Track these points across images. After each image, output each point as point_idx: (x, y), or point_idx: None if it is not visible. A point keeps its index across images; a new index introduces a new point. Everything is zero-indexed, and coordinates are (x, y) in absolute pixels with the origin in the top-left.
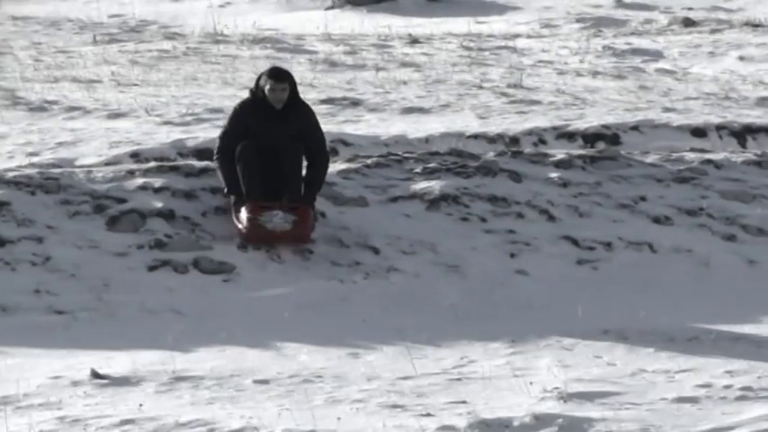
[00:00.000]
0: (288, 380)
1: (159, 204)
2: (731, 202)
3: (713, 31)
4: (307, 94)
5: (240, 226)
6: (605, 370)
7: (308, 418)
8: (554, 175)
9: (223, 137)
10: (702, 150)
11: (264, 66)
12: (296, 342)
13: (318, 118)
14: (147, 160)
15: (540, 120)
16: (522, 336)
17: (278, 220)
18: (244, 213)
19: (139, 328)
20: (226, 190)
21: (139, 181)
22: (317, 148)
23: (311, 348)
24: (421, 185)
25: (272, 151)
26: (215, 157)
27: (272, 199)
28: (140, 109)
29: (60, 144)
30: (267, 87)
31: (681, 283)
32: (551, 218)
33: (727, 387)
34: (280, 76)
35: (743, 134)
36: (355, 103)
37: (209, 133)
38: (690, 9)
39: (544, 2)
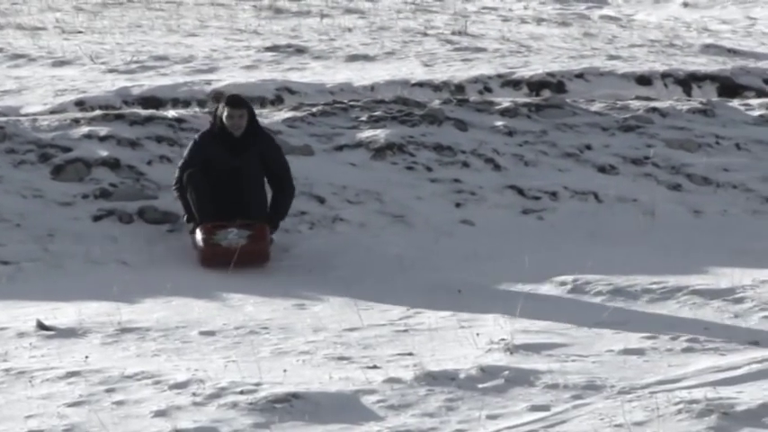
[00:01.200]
0: (234, 331)
1: (104, 153)
2: (676, 150)
3: None
4: (251, 42)
5: (196, 249)
6: (552, 323)
7: (254, 371)
8: (499, 123)
9: (182, 167)
10: (648, 98)
11: (209, 12)
12: (241, 293)
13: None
14: (93, 108)
15: (485, 67)
16: (468, 286)
17: (232, 236)
18: (198, 235)
19: (85, 278)
20: (185, 218)
21: (84, 129)
22: (282, 177)
23: (257, 300)
24: (366, 134)
25: (233, 177)
26: (174, 187)
27: (227, 220)
28: (85, 57)
29: (5, 92)
30: (225, 114)
31: (626, 233)
32: (497, 167)
33: (674, 339)
34: (236, 102)
35: (688, 82)
36: (300, 51)
37: (155, 81)
38: None
39: None
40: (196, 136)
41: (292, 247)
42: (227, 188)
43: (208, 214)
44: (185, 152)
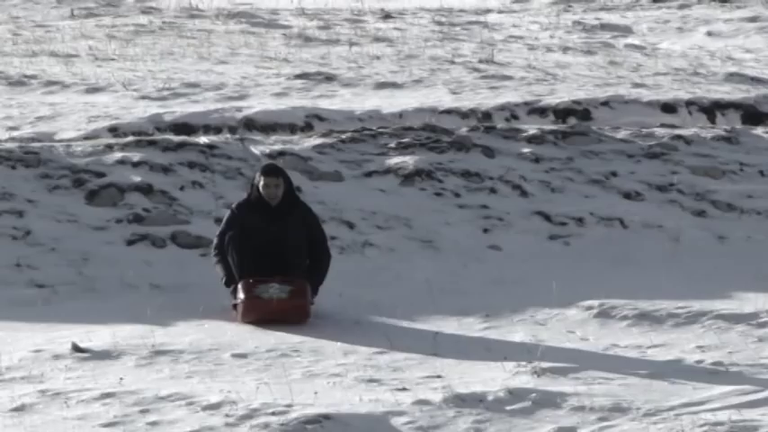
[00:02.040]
0: (265, 354)
1: (137, 179)
2: (701, 177)
3: (681, 7)
4: (281, 69)
5: (238, 305)
6: (578, 345)
7: (285, 392)
8: (526, 150)
9: (220, 236)
10: (672, 126)
11: (239, 40)
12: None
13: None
14: (126, 134)
15: (511, 95)
16: (496, 310)
17: (273, 290)
18: (240, 291)
19: (119, 301)
20: (224, 281)
21: (118, 155)
22: (319, 245)
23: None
24: (395, 160)
25: (271, 244)
26: (213, 253)
27: (267, 275)
28: (118, 83)
29: (40, 118)
30: (261, 184)
31: (651, 259)
32: (524, 193)
33: (699, 362)
34: (272, 171)
35: (712, 110)
36: (329, 78)
37: (187, 108)
38: None
39: None
40: (233, 205)
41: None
42: (266, 255)
43: (248, 270)
44: (222, 222)
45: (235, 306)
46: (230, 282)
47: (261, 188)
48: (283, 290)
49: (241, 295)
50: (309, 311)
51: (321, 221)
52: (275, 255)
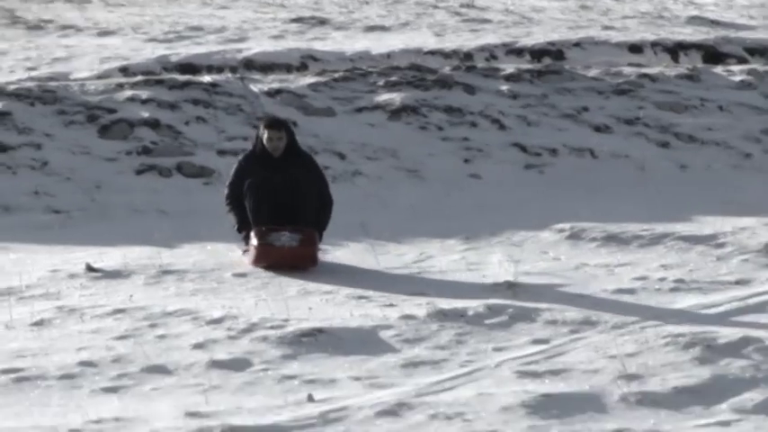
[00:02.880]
0: (263, 273)
1: (146, 114)
2: (665, 112)
3: None
4: (278, 14)
5: (250, 251)
6: (551, 264)
7: (282, 308)
8: (504, 87)
9: (230, 185)
10: (639, 65)
11: None
12: None
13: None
14: (135, 74)
15: (490, 37)
16: (476, 233)
17: (285, 238)
18: (253, 238)
19: (129, 226)
20: (237, 227)
21: (128, 93)
22: (321, 193)
23: None
24: (383, 97)
25: (275, 194)
26: (225, 203)
27: (279, 224)
28: (127, 27)
29: (55, 60)
30: (265, 137)
31: (619, 186)
32: (502, 126)
33: (662, 279)
34: (275, 124)
35: (675, 50)
36: (322, 22)
37: (191, 50)
38: None
39: None
40: (240, 157)
41: None
42: (274, 205)
43: (263, 219)
44: (231, 172)
45: (245, 252)
46: (242, 228)
47: (264, 141)
48: (294, 238)
49: (254, 242)
50: (317, 259)
51: (320, 166)
52: (283, 203)
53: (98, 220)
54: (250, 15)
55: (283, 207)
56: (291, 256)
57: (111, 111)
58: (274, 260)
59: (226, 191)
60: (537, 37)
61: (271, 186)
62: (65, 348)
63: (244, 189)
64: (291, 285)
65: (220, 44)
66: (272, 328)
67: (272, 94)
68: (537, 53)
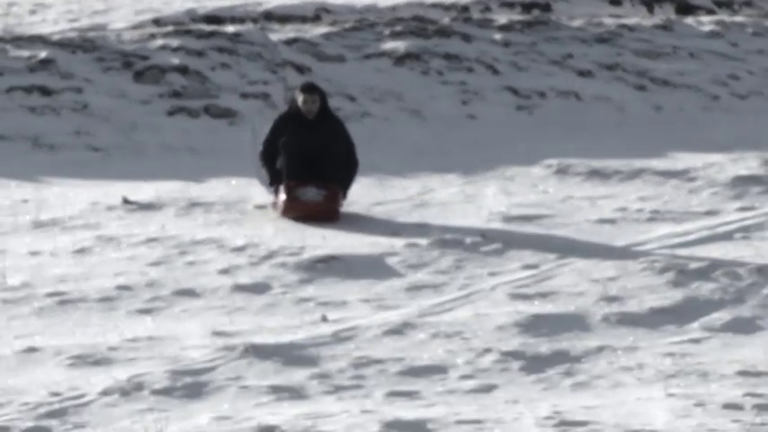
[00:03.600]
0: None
1: (176, 61)
2: (642, 58)
3: None
4: None
5: (279, 203)
6: (540, 196)
7: (298, 237)
8: (497, 36)
9: (265, 143)
10: (618, 16)
11: None
12: None
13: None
14: (166, 25)
15: None
16: (472, 169)
17: (311, 194)
18: (282, 192)
19: (161, 162)
20: (269, 182)
21: (160, 42)
22: (348, 153)
23: None
24: (389, 45)
25: (309, 151)
26: (260, 158)
27: (307, 180)
28: None
29: (95, 12)
30: (300, 100)
31: (601, 126)
32: (495, 72)
33: (639, 210)
34: (309, 89)
35: (650, 2)
36: None
37: (216, 3)
38: None
39: None
40: (276, 117)
41: None
42: (306, 161)
43: (294, 175)
44: (268, 131)
45: (274, 204)
46: (273, 182)
47: (300, 104)
48: (319, 194)
49: (283, 196)
50: (339, 213)
51: (348, 129)
52: (313, 161)
53: (133, 157)
54: None
55: (313, 165)
56: (315, 210)
57: (145, 58)
58: (300, 213)
59: (260, 147)
60: None
61: (303, 145)
62: (103, 274)
63: (278, 146)
64: None
65: None
66: (289, 255)
67: (289, 42)
68: (527, 6)
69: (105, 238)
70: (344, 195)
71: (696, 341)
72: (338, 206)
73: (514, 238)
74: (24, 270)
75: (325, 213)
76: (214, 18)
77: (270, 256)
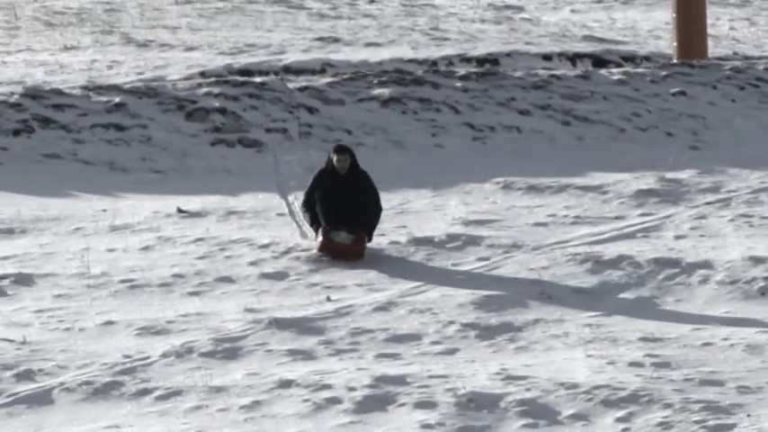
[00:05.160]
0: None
1: (217, 104)
2: (567, 100)
3: None
4: (306, 35)
5: (316, 242)
6: (491, 206)
7: (312, 237)
8: (458, 84)
9: (306, 194)
10: (549, 68)
11: (280, 17)
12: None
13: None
14: (210, 77)
15: (449, 50)
16: (439, 185)
17: (343, 236)
18: (320, 234)
19: (206, 181)
20: (310, 224)
21: (205, 89)
22: (373, 202)
23: None
24: (377, 91)
25: (342, 201)
26: (301, 208)
27: (339, 225)
28: (205, 45)
29: (157, 67)
30: (334, 159)
31: (536, 152)
32: (457, 111)
33: (565, 216)
34: (341, 150)
35: (574, 58)
36: (336, 40)
37: (247, 59)
38: None
39: None
40: (316, 172)
41: None
42: (338, 210)
43: (330, 220)
44: (309, 183)
45: (316, 240)
46: (313, 224)
47: (334, 162)
48: (349, 238)
49: (320, 237)
50: (363, 254)
51: (373, 182)
52: (345, 209)
53: (185, 178)
54: (288, 36)
55: (344, 212)
56: (345, 251)
57: (194, 102)
58: (333, 252)
59: (303, 197)
60: (481, 50)
61: (336, 197)
62: (162, 265)
63: (316, 197)
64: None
65: (267, 56)
66: (302, 251)
67: (302, 89)
68: (480, 61)
69: (164, 239)
70: (370, 238)
71: (608, 315)
72: (363, 248)
73: (471, 238)
74: (103, 262)
75: (353, 254)
76: (246, 71)
77: (287, 251)
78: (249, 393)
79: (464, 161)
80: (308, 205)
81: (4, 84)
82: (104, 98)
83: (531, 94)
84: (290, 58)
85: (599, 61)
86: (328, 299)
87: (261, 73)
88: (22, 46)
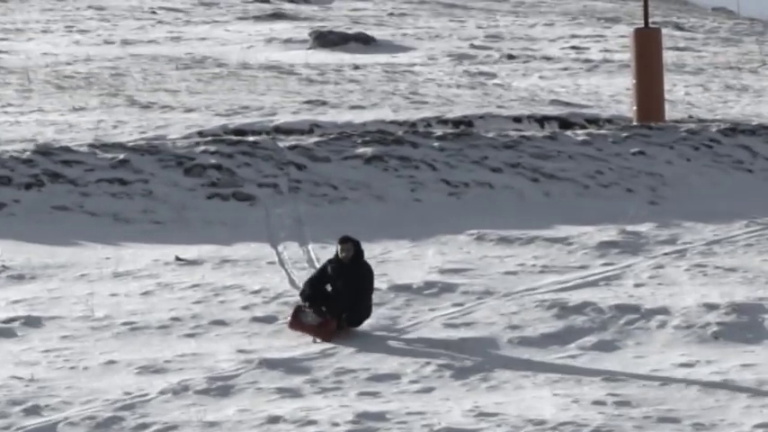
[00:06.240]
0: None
1: (213, 161)
2: (536, 159)
3: (524, 61)
4: (295, 98)
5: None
6: (465, 256)
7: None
8: (435, 144)
9: (310, 281)
10: (519, 130)
11: (272, 81)
12: (293, 240)
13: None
14: (207, 136)
15: (427, 112)
16: (418, 236)
17: (310, 317)
18: (294, 310)
19: (202, 232)
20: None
21: (202, 147)
22: (367, 292)
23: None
24: (360, 150)
25: (341, 287)
26: (301, 293)
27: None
28: (202, 107)
29: (158, 126)
30: (339, 248)
31: (507, 206)
32: (434, 168)
33: (533, 265)
34: (345, 241)
35: (542, 120)
36: (323, 103)
37: (241, 120)
38: (511, 49)
39: (429, 45)
40: (326, 261)
41: (320, 214)
42: (337, 291)
43: (309, 299)
44: (318, 268)
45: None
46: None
47: (339, 252)
48: (316, 320)
49: (293, 311)
50: (328, 338)
51: (372, 273)
52: (340, 294)
53: (183, 229)
54: (278, 99)
55: (336, 298)
56: (310, 330)
57: (191, 158)
58: (301, 330)
59: (305, 284)
60: (456, 112)
61: (332, 282)
62: (161, 309)
63: (318, 286)
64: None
65: (259, 117)
66: (290, 296)
67: (291, 148)
68: (456, 122)
69: (163, 284)
70: (348, 323)
71: (573, 357)
72: (330, 331)
73: (447, 285)
74: (106, 306)
75: (315, 334)
76: (240, 131)
77: (277, 296)
78: (241, 428)
79: (440, 214)
80: (306, 295)
81: (17, 141)
82: (109, 155)
83: (502, 153)
84: (281, 119)
85: (565, 123)
86: (314, 341)
87: (254, 132)
88: (35, 107)
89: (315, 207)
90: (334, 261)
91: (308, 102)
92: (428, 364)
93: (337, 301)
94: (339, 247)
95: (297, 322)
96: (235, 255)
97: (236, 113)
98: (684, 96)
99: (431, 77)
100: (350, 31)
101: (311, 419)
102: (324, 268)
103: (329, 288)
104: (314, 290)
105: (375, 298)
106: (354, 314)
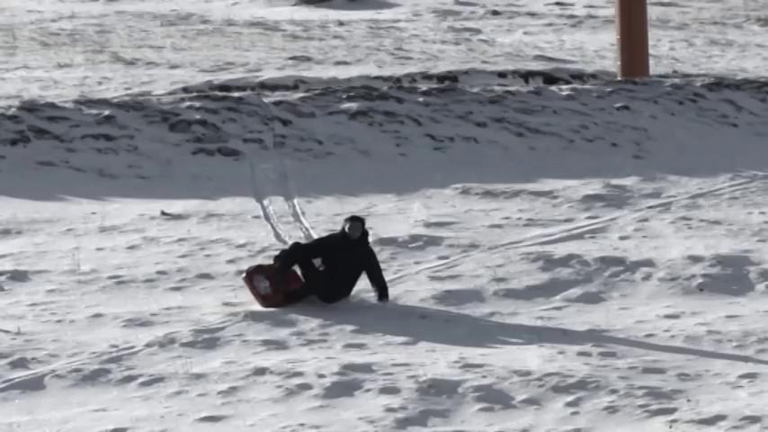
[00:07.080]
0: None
1: (198, 116)
2: (520, 114)
3: (509, 18)
4: (280, 54)
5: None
6: (450, 209)
7: (286, 238)
8: (420, 99)
9: (299, 246)
10: (504, 85)
11: (257, 38)
12: (278, 194)
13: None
14: (192, 92)
15: (412, 68)
16: (403, 190)
17: (262, 286)
18: (254, 271)
19: (188, 186)
20: (277, 263)
21: (187, 103)
22: (377, 271)
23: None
24: (345, 105)
25: (343, 264)
26: (282, 254)
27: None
28: (187, 63)
29: (143, 83)
30: (347, 226)
31: (492, 160)
32: (419, 123)
33: (519, 219)
34: (355, 218)
35: (526, 76)
36: (308, 59)
37: (226, 76)
38: (496, 5)
39: (414, 1)
40: (328, 235)
41: (305, 168)
42: (336, 269)
43: (283, 267)
44: (318, 238)
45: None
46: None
47: (347, 228)
48: (265, 289)
49: (252, 269)
50: (278, 304)
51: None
52: (340, 273)
53: (168, 184)
54: (263, 55)
55: (336, 270)
56: (258, 296)
57: (177, 114)
58: (251, 291)
59: (290, 246)
60: (441, 68)
61: (335, 260)
62: (147, 263)
63: (304, 253)
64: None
65: (244, 73)
66: (275, 249)
67: (277, 103)
68: (441, 78)
69: (149, 239)
70: (386, 297)
71: (558, 309)
72: (269, 305)
73: (432, 238)
74: (92, 260)
75: (259, 301)
76: (225, 87)
77: (262, 250)
78: (226, 380)
79: (425, 169)
80: (285, 258)
81: (2, 98)
82: (95, 111)
83: (487, 108)
84: (266, 75)
85: (549, 79)
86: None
87: (239, 88)
88: (20, 64)
89: (300, 162)
90: (339, 239)
91: (293, 58)
92: (413, 316)
93: (333, 276)
94: (348, 224)
95: (249, 281)
96: (220, 209)
97: (221, 69)
98: (669, 51)
99: (416, 33)
100: None
101: (297, 371)
102: (325, 239)
103: (319, 262)
104: (294, 259)
105: None
106: (382, 289)
